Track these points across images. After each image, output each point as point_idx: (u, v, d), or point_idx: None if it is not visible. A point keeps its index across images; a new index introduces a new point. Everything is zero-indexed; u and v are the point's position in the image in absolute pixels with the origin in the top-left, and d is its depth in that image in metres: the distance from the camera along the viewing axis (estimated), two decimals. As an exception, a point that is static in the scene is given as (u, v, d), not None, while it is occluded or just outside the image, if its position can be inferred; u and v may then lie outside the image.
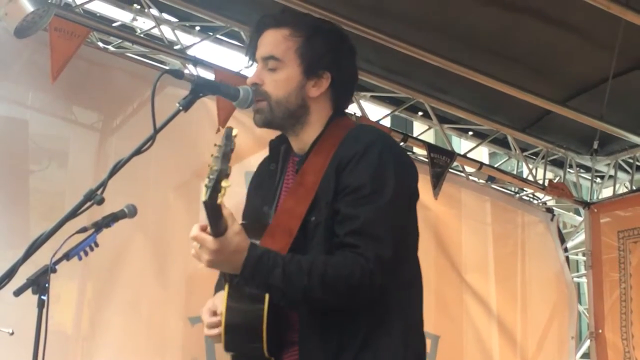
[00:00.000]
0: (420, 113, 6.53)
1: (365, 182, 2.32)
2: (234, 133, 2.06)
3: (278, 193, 2.54)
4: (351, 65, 2.60)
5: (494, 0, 5.08)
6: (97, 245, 2.59)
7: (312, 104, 2.50)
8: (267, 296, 2.29)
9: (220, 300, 2.44)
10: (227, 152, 2.01)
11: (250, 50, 2.55)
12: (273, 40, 2.49)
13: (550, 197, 7.24)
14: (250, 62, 2.56)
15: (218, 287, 2.62)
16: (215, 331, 2.44)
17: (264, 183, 2.63)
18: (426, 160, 6.22)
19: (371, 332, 2.32)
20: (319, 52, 2.48)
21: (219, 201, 1.99)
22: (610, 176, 7.12)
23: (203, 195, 2.00)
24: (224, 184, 1.98)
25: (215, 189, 1.98)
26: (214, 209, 2.05)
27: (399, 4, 5.19)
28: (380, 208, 2.30)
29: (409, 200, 2.47)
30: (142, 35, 5.43)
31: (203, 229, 2.16)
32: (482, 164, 6.82)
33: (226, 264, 2.19)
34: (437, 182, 6.14)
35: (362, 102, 6.19)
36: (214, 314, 2.46)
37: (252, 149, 4.76)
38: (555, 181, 7.04)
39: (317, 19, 2.61)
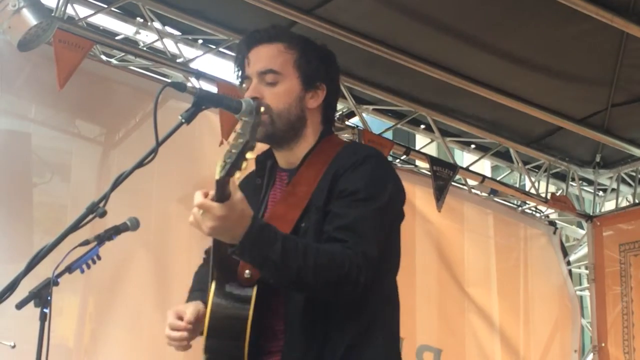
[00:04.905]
0: (422, 126, 6.52)
1: (360, 187, 2.35)
2: (262, 110, 2.01)
3: (264, 206, 2.53)
4: (338, 81, 2.67)
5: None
6: (99, 258, 2.59)
7: (308, 116, 2.52)
8: (253, 296, 2.27)
9: (190, 309, 2.42)
10: (255, 125, 1.92)
11: (239, 67, 2.54)
12: (269, 55, 2.49)
13: (552, 210, 7.24)
14: (240, 80, 2.55)
15: (191, 297, 2.59)
16: (176, 334, 2.40)
17: (247, 197, 2.63)
18: (429, 173, 6.22)
19: (355, 343, 2.34)
20: (315, 64, 2.52)
21: (237, 176, 1.94)
22: (613, 189, 7.11)
23: (219, 172, 1.95)
24: (249, 155, 1.92)
25: (235, 165, 1.92)
26: (224, 182, 2.01)
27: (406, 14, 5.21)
28: (371, 210, 2.34)
29: (395, 217, 2.50)
30: (145, 49, 5.43)
31: (206, 196, 2.10)
32: (484, 177, 6.82)
33: (228, 231, 2.13)
34: (440, 195, 6.14)
35: (364, 115, 6.19)
36: (180, 318, 2.42)
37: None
38: (557, 194, 7.04)
39: (305, 36, 2.63)
